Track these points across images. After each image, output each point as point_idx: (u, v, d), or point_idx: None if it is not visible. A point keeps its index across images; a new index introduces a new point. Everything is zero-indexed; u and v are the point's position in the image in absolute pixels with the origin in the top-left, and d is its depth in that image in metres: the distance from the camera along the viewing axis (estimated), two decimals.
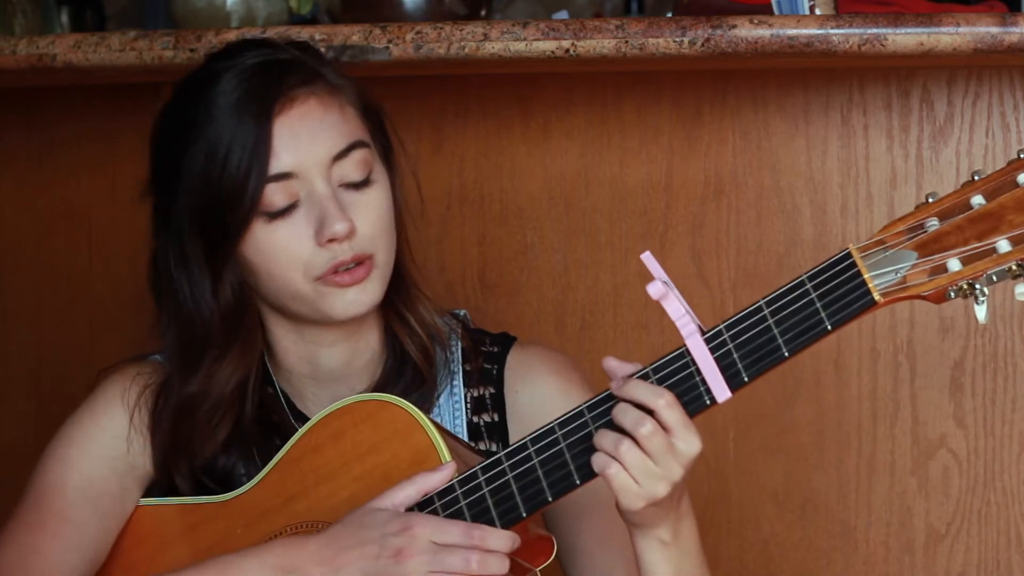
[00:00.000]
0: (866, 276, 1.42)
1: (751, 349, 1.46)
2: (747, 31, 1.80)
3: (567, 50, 1.85)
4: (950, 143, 1.98)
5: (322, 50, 1.77)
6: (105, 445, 1.67)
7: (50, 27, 2.74)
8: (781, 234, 2.04)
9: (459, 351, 1.72)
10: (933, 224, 1.41)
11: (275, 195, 1.59)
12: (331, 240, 1.58)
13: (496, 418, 1.71)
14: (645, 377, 1.49)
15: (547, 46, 1.85)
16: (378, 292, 1.62)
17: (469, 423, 1.70)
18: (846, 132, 2.01)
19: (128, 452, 1.67)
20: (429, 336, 1.70)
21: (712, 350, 1.47)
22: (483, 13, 2.31)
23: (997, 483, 2.00)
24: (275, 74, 1.61)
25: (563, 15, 2.30)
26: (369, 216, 1.61)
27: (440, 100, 2.13)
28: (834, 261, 1.44)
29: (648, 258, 1.49)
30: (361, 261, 1.60)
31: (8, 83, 2.21)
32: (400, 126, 2.13)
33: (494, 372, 1.72)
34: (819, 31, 1.79)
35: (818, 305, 1.44)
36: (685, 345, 1.48)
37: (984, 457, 2.00)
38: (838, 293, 1.43)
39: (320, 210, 1.59)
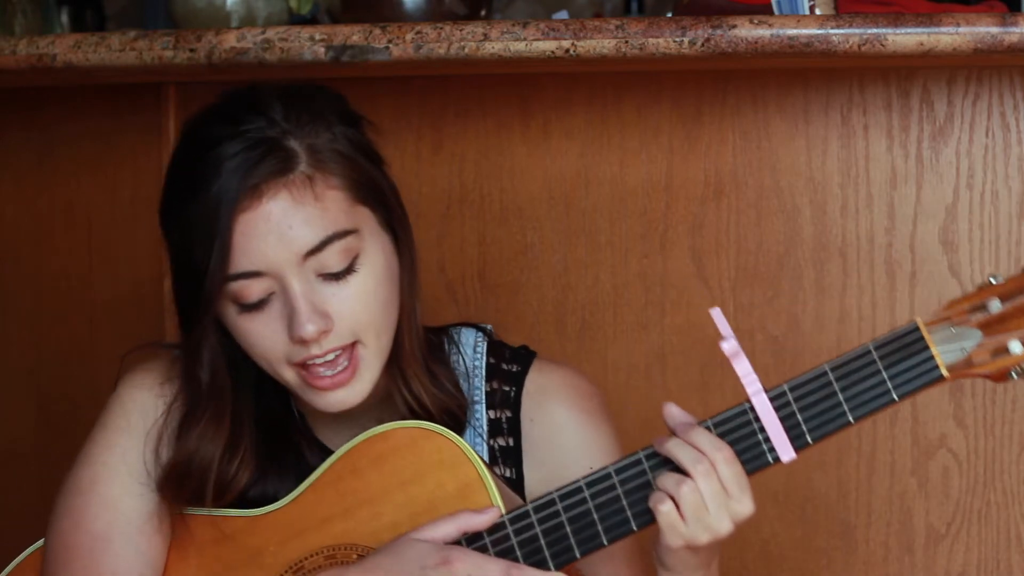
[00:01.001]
0: (934, 351, 1.46)
1: (816, 412, 1.49)
2: (747, 31, 1.80)
3: (567, 50, 1.85)
4: (950, 143, 1.98)
5: (328, 95, 1.63)
6: (146, 480, 1.63)
7: (50, 27, 2.74)
8: (781, 234, 2.04)
9: (483, 370, 1.70)
10: (995, 305, 1.45)
11: (247, 289, 1.53)
12: (300, 340, 1.53)
13: (511, 443, 1.69)
14: (705, 429, 1.51)
15: (547, 46, 1.85)
16: (366, 386, 1.58)
17: (489, 448, 1.68)
18: (846, 132, 2.01)
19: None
20: (423, 406, 1.64)
21: (776, 409, 1.49)
22: (483, 13, 2.31)
23: (997, 483, 2.00)
24: (251, 161, 1.51)
25: (563, 15, 2.30)
26: (351, 306, 1.54)
27: (440, 100, 2.12)
28: (902, 333, 1.48)
29: (717, 314, 1.51)
30: (342, 350, 1.55)
31: (8, 83, 2.21)
32: (400, 126, 2.14)
33: (511, 395, 1.69)
34: (819, 31, 1.79)
35: (885, 375, 1.48)
36: (750, 402, 1.50)
37: (984, 457, 2.00)
38: (905, 365, 1.47)
39: (290, 308, 1.53)
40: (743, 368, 1.51)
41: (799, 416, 1.49)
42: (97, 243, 2.29)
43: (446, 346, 1.71)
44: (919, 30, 1.77)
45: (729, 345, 1.51)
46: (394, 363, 1.63)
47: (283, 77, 2.08)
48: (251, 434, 1.63)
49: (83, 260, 2.30)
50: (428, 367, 1.65)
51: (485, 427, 1.68)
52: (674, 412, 1.53)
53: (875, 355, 1.47)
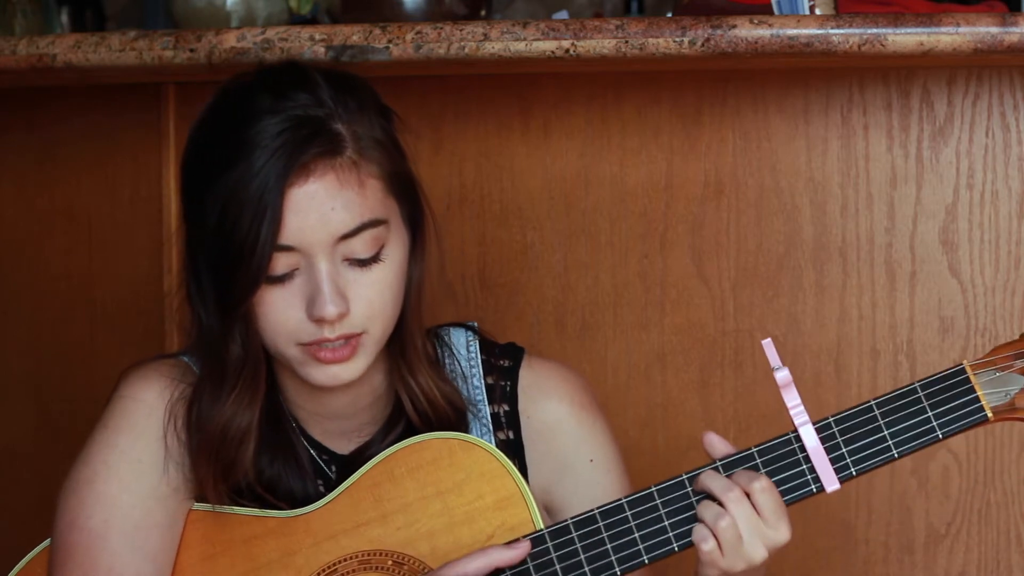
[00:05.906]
0: (980, 393, 1.49)
1: (861, 446, 1.52)
2: (747, 31, 1.80)
3: (567, 50, 1.85)
4: (950, 143, 1.98)
5: (365, 84, 1.64)
6: (147, 475, 1.63)
7: (50, 27, 2.74)
8: (781, 234, 2.04)
9: (480, 367, 1.72)
10: None
11: (273, 262, 1.53)
12: (319, 320, 1.55)
13: (511, 436, 1.70)
14: (750, 457, 1.54)
15: (547, 46, 1.85)
16: (362, 366, 1.59)
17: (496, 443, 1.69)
18: (846, 132, 2.01)
19: (168, 476, 1.63)
20: (430, 400, 1.66)
21: (821, 440, 1.51)
22: (483, 13, 2.31)
23: (997, 483, 2.00)
24: (301, 137, 1.53)
25: (563, 15, 2.30)
26: (368, 295, 1.56)
27: (440, 100, 2.12)
28: (948, 374, 1.51)
29: (768, 345, 1.54)
30: (349, 339, 1.57)
31: (8, 83, 2.21)
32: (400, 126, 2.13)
33: (507, 389, 1.71)
34: (819, 31, 1.79)
35: (930, 414, 1.51)
36: (797, 432, 1.53)
37: (984, 457, 2.00)
38: (951, 405, 1.50)
39: (314, 287, 1.54)
40: (792, 399, 1.53)
41: (844, 449, 1.51)
42: (97, 243, 2.29)
43: (438, 349, 1.72)
44: (919, 30, 1.77)
45: (782, 375, 1.53)
46: (400, 358, 1.65)
47: None
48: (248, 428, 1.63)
49: (83, 260, 2.30)
50: (429, 362, 1.67)
51: (490, 422, 1.70)
52: (713, 440, 1.56)
53: (921, 394, 1.50)
